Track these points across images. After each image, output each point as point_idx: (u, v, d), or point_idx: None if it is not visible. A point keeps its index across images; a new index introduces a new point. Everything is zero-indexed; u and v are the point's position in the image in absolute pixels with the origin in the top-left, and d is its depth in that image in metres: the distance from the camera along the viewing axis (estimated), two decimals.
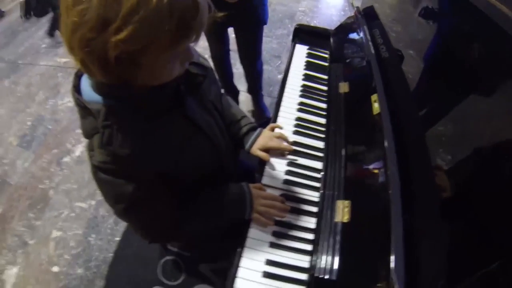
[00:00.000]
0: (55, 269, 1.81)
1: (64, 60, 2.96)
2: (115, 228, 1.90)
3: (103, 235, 1.89)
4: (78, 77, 0.68)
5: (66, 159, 2.27)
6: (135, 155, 0.66)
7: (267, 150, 1.03)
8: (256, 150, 1.03)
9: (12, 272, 1.86)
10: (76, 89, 0.67)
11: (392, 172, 0.80)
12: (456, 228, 0.92)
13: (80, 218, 1.97)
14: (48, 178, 2.19)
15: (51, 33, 3.20)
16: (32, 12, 3.62)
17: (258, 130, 1.06)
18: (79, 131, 0.69)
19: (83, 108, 0.65)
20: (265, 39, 1.84)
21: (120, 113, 0.64)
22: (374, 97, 1.02)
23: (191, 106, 0.76)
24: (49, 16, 3.48)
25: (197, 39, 0.60)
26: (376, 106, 1.00)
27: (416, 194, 0.81)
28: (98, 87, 0.64)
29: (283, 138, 1.06)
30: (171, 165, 0.74)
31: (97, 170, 0.67)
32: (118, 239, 1.85)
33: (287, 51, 1.33)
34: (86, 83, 0.66)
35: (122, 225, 1.90)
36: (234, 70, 2.16)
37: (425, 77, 1.62)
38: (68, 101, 2.62)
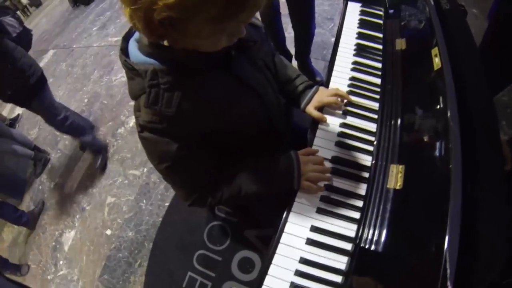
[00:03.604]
0: (108, 232, 1.91)
1: (115, 39, 3.09)
2: (165, 194, 1.94)
3: (153, 200, 1.94)
4: (125, 40, 0.69)
5: (120, 130, 2.37)
6: (180, 114, 0.65)
7: (322, 108, 0.98)
8: (311, 110, 0.96)
9: (70, 235, 2.01)
10: (124, 51, 0.68)
11: (454, 136, 0.72)
12: None
13: (132, 185, 2.05)
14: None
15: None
16: (79, 1, 3.89)
17: (315, 88, 1.00)
18: (133, 103, 0.70)
19: (131, 70, 0.66)
20: (316, 2, 1.74)
21: (166, 73, 0.63)
22: (434, 51, 0.93)
23: (241, 65, 0.74)
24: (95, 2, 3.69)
25: (248, 18, 0.58)
26: (437, 61, 0.91)
27: (480, 166, 0.73)
28: (145, 49, 0.64)
29: (339, 94, 0.98)
30: (218, 124, 0.73)
31: (143, 129, 0.68)
32: (167, 204, 1.89)
33: (339, 13, 1.26)
34: (133, 46, 0.67)
35: (172, 191, 1.88)
36: (286, 35, 2.08)
37: (489, 38, 1.46)
38: (121, 76, 2.72)
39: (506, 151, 0.88)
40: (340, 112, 0.99)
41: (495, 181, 0.69)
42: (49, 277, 1.91)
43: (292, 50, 2.09)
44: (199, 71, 0.67)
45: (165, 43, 0.63)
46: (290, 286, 0.74)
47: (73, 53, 3.19)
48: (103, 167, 2.22)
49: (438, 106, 0.81)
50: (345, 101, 0.99)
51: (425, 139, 0.82)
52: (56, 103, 2.13)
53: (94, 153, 2.29)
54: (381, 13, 1.23)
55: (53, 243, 2.03)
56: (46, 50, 3.37)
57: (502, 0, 1.34)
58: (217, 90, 0.71)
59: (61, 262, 1.94)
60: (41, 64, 3.22)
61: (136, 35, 0.68)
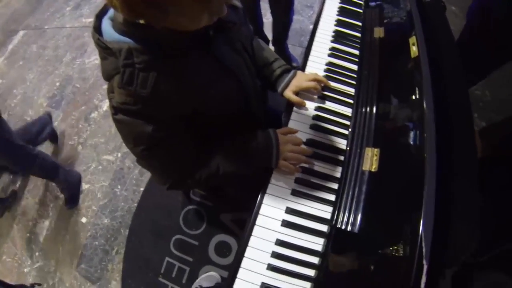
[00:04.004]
0: (84, 220, 1.87)
1: (89, 20, 2.93)
2: (140, 179, 1.90)
3: (128, 186, 1.90)
4: (98, 18, 0.66)
5: (94, 114, 2.29)
6: (155, 95, 0.64)
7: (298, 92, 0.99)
8: (290, 94, 0.97)
9: (44, 225, 1.94)
10: (97, 30, 0.65)
11: (429, 121, 0.74)
12: (495, 195, 0.85)
13: (107, 171, 2.00)
14: (76, 134, 2.22)
15: None
16: None
17: (292, 72, 0.99)
18: (106, 86, 0.67)
19: (104, 49, 0.63)
20: None
21: (141, 52, 0.61)
22: (412, 39, 0.95)
23: (219, 47, 0.73)
24: None
25: None
26: (414, 49, 0.93)
27: (454, 150, 0.76)
28: (119, 27, 0.62)
29: (319, 79, 0.98)
30: (194, 105, 0.72)
31: (117, 111, 0.66)
32: (142, 189, 1.86)
33: (319, 1, 1.26)
34: (107, 24, 0.64)
35: (147, 175, 1.89)
36: (264, 20, 2.03)
37: (467, 35, 1.51)
38: (94, 59, 2.61)
39: (477, 142, 0.92)
40: (315, 96, 0.99)
41: (468, 168, 0.72)
42: (25, 270, 1.85)
43: (270, 36, 2.07)
44: (177, 51, 0.66)
45: (141, 21, 0.60)
46: (267, 268, 0.75)
47: (44, 34, 3.03)
48: (75, 203, 1.95)
49: (414, 93, 0.83)
50: (322, 85, 1.00)
51: (401, 124, 0.84)
52: (18, 140, 1.67)
53: (67, 190, 1.93)
54: (361, 2, 1.25)
55: (28, 235, 1.96)
56: (16, 31, 3.18)
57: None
58: (194, 70, 0.69)
59: (37, 254, 1.88)
60: (11, 46, 3.05)
61: (110, 12, 0.66)
